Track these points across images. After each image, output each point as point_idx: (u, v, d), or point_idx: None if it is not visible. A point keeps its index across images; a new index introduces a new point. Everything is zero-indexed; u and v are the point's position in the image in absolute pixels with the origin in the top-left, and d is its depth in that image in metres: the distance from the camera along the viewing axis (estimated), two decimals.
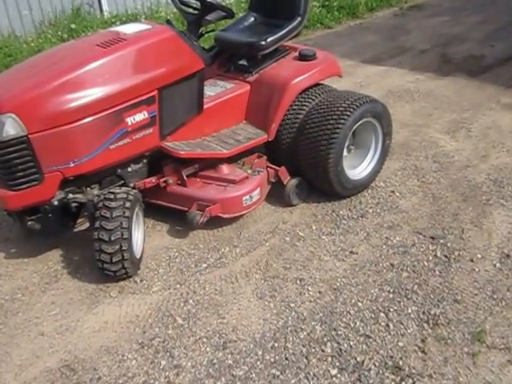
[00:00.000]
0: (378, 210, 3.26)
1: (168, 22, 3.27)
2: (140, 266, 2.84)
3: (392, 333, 2.37)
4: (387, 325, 2.42)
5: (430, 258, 2.83)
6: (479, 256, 2.83)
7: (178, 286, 2.73)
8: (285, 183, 3.26)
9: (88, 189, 2.83)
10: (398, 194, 3.41)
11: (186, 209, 3.01)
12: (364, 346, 2.31)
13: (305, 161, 3.21)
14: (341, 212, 3.27)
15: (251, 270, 2.81)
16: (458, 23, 7.36)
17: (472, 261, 2.80)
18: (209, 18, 3.14)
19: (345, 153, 3.20)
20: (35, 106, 2.51)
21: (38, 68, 2.75)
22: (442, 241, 2.95)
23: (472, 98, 4.86)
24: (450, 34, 6.88)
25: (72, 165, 2.62)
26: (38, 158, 2.54)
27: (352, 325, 2.43)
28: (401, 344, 2.31)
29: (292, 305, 2.56)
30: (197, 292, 2.68)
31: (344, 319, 2.46)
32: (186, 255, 2.95)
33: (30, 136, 2.49)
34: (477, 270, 2.73)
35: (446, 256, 2.83)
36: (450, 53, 6.13)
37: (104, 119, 2.64)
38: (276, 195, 3.33)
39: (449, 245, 2.92)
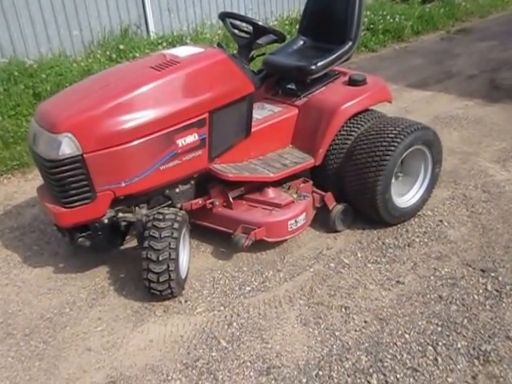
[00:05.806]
0: (426, 240, 3.19)
1: (219, 45, 3.32)
2: (185, 287, 2.86)
3: (441, 367, 2.30)
4: (435, 359, 2.35)
5: (481, 291, 2.74)
6: None
7: (222, 308, 2.73)
8: (330, 209, 3.23)
9: (137, 208, 2.88)
10: (446, 224, 3.33)
11: (231, 231, 3.02)
12: (411, 380, 2.25)
13: (352, 187, 3.18)
14: (387, 240, 3.21)
15: (295, 296, 2.79)
16: (507, 48, 7.22)
17: None
18: (260, 41, 3.16)
19: (393, 180, 3.15)
20: (90, 127, 2.56)
21: (93, 89, 2.79)
22: (492, 274, 2.86)
23: None
24: (499, 59, 6.75)
25: (123, 184, 2.66)
26: (91, 177, 2.59)
27: (399, 357, 2.37)
28: (450, 380, 2.24)
29: (337, 333, 2.52)
30: (240, 315, 2.67)
31: (390, 350, 2.41)
32: (230, 277, 2.96)
33: (84, 155, 2.54)
34: None
35: (497, 290, 2.74)
36: (499, 78, 6.01)
37: (156, 141, 2.69)
38: (320, 220, 3.31)
39: (500, 278, 2.82)
